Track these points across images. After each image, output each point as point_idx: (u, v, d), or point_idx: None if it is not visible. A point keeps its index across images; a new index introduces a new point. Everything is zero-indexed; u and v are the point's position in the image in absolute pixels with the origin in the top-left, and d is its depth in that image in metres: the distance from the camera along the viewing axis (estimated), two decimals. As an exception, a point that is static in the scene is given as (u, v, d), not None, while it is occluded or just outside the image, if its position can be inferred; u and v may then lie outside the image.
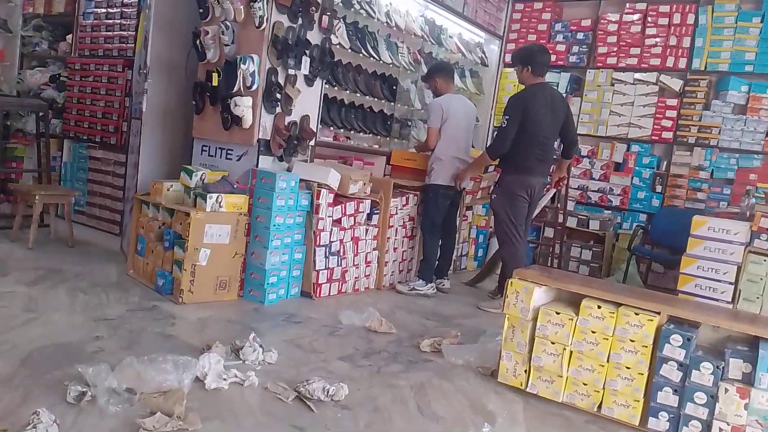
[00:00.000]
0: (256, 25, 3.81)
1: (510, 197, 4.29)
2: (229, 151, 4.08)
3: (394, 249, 4.73)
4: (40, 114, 5.03)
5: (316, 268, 4.08)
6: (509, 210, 4.31)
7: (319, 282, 4.12)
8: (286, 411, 2.36)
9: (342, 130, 4.89)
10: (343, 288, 4.32)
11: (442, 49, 5.97)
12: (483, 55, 6.69)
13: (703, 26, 5.82)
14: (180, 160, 4.23)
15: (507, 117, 4.20)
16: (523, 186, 4.30)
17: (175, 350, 2.66)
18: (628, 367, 2.62)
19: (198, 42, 4.01)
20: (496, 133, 4.40)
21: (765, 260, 3.73)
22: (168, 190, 3.84)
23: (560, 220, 5.57)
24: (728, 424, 2.40)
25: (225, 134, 4.01)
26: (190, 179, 3.74)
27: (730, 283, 3.82)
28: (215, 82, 3.96)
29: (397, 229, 4.71)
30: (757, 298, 3.75)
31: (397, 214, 4.68)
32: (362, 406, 2.48)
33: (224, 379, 2.50)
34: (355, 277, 4.42)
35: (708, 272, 3.90)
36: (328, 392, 2.48)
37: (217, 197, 3.61)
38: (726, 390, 2.41)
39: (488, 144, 4.42)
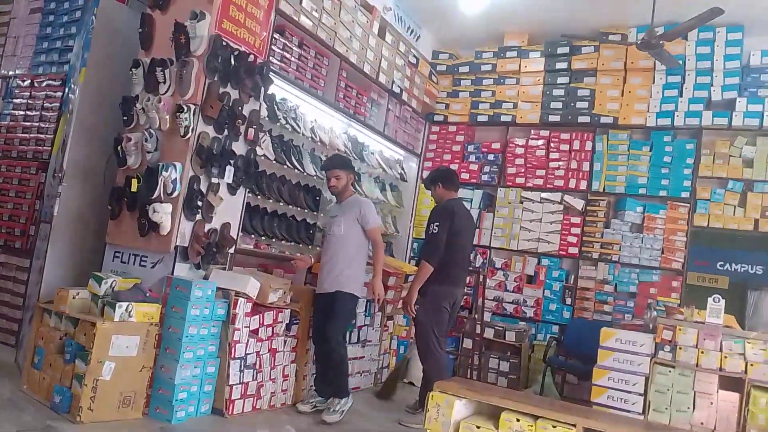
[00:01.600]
0: (181, 134, 3.84)
1: (435, 308, 4.35)
2: (143, 258, 3.94)
3: (314, 361, 4.57)
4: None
5: (230, 383, 3.87)
6: (433, 321, 4.35)
7: (233, 398, 3.90)
8: None
9: (264, 238, 4.87)
10: (258, 404, 4.11)
11: (365, 164, 6.21)
12: (402, 171, 7.00)
13: (599, 152, 6.41)
14: (89, 267, 4.03)
15: (437, 223, 4.35)
16: (448, 297, 4.39)
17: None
18: (549, 482, 2.60)
19: (119, 148, 3.98)
20: (427, 241, 4.46)
21: (670, 371, 3.91)
22: (74, 297, 3.61)
23: (478, 330, 5.65)
24: None
25: (141, 240, 3.89)
26: (99, 287, 3.56)
27: (640, 394, 3.94)
28: (134, 188, 3.90)
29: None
30: (666, 408, 3.88)
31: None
32: None
33: None
34: (272, 392, 4.22)
35: (619, 383, 4.02)
36: None
37: (127, 306, 3.44)
38: (643, 503, 2.42)
39: (424, 253, 4.46)
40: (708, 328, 3.96)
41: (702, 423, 3.81)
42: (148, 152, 3.94)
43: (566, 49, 6.65)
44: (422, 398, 4.38)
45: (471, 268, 6.01)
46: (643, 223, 6.16)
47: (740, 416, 3.75)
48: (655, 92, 6.23)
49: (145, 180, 3.88)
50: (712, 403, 3.83)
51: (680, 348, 3.94)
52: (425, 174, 7.13)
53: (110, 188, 4.07)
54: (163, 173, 3.81)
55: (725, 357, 3.85)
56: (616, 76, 6.43)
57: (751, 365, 3.78)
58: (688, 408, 3.84)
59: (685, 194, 6.01)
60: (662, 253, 6.01)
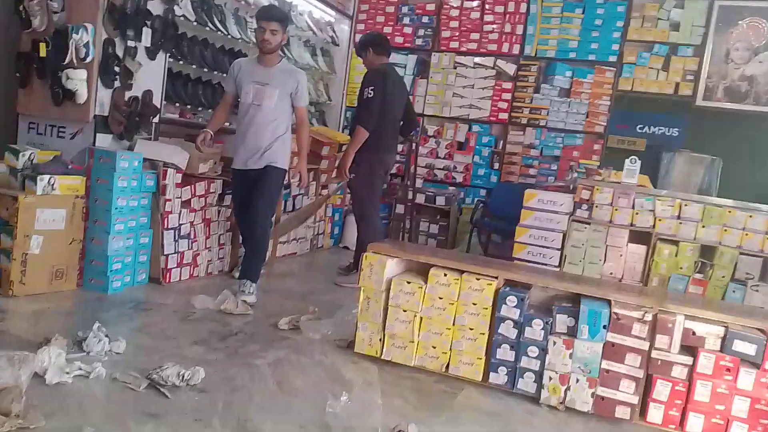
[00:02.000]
0: (89, -9, 3.52)
1: (370, 176, 4.43)
2: (61, 129, 3.74)
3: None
4: None
5: (165, 253, 3.90)
6: (368, 189, 4.44)
7: (169, 267, 3.95)
8: (138, 400, 2.28)
9: (189, 107, 4.68)
10: (195, 272, 4.19)
11: (293, 26, 5.90)
12: (334, 35, 6.72)
13: (533, 15, 6.33)
14: (3, 140, 3.81)
15: (372, 88, 4.31)
16: (382, 165, 4.46)
17: (7, 347, 2.43)
18: (471, 329, 2.84)
19: (21, 8, 3.62)
20: (361, 106, 4.41)
21: (585, 228, 4.20)
22: (-10, 172, 3.45)
23: (410, 197, 5.82)
24: (557, 373, 2.70)
25: (56, 110, 3.67)
26: (17, 160, 3.39)
27: (557, 249, 4.25)
28: (43, 53, 3.60)
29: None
30: (580, 261, 4.21)
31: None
32: (220, 388, 2.46)
33: (67, 373, 2.34)
34: (208, 260, 4.30)
35: (538, 240, 4.30)
36: (183, 377, 2.43)
37: (50, 179, 3.32)
38: (554, 343, 2.71)
39: (358, 119, 4.41)
40: (623, 187, 4.22)
41: (611, 273, 4.18)
42: (54, 12, 3.62)
43: None
44: (357, 260, 4.57)
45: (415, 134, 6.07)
46: (570, 87, 6.27)
47: (645, 266, 4.12)
48: (589, -48, 6.08)
49: (53, 44, 3.59)
50: (621, 255, 4.18)
51: (596, 206, 4.20)
52: (358, 38, 6.89)
53: (15, 54, 3.75)
54: (74, 36, 3.53)
55: (636, 214, 4.15)
56: (553, -67, 6.19)
57: (660, 220, 4.10)
58: (600, 260, 4.19)
59: (612, 58, 6.10)
60: (587, 117, 6.20)
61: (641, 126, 6.03)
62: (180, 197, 3.97)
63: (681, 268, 4.05)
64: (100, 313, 3.20)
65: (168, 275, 3.94)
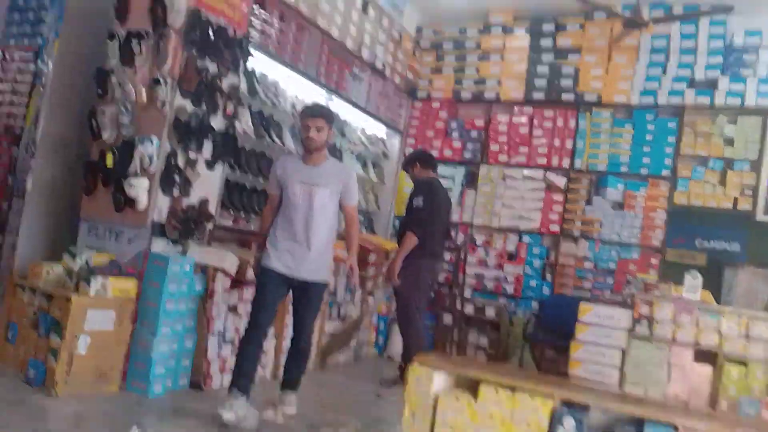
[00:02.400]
0: (158, 107, 3.77)
1: (416, 280, 4.41)
2: (119, 233, 3.88)
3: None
4: None
5: (208, 357, 3.86)
6: (415, 294, 4.41)
7: (211, 372, 3.89)
8: None
9: (243, 214, 4.82)
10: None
11: (346, 140, 6.15)
12: (385, 148, 6.95)
13: (582, 130, 6.40)
14: (64, 242, 3.97)
15: (421, 197, 4.41)
16: (430, 271, 4.44)
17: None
18: (524, 453, 2.62)
19: (93, 121, 3.90)
20: (411, 214, 4.52)
21: (646, 345, 3.95)
22: (48, 273, 3.57)
23: (458, 306, 5.68)
24: (620, 507, 2.43)
25: (116, 215, 3.83)
26: (74, 261, 3.51)
27: (616, 367, 3.98)
28: (110, 163, 3.83)
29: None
30: (641, 381, 3.93)
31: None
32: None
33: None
34: (251, 367, 4.21)
35: (595, 356, 4.05)
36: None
37: (103, 281, 3.40)
38: (616, 472, 2.46)
39: (408, 225, 4.50)
40: (684, 302, 4.00)
41: (676, 394, 3.87)
42: (124, 126, 3.87)
43: (551, 27, 6.61)
44: (403, 371, 4.41)
45: (452, 246, 6.07)
46: (623, 200, 6.19)
47: (712, 388, 3.80)
48: (639, 70, 6.22)
49: (120, 154, 3.82)
50: (685, 377, 3.88)
51: (657, 322, 3.97)
52: (408, 151, 7.12)
53: (84, 162, 4.00)
54: (140, 147, 3.75)
55: (700, 331, 3.90)
56: (600, 54, 6.39)
57: (726, 339, 3.83)
58: (663, 381, 3.89)
59: (665, 172, 6.03)
60: (642, 230, 6.05)
61: (700, 240, 5.82)
62: (227, 302, 3.98)
63: (752, 390, 3.72)
64: (139, 417, 3.13)
65: (209, 381, 3.87)
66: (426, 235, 4.39)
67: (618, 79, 6.29)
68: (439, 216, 4.49)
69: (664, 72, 6.12)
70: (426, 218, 4.38)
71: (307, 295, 3.53)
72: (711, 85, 5.93)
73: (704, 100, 5.92)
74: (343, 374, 4.94)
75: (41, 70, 4.41)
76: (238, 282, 4.07)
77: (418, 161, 4.78)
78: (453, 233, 6.18)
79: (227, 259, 3.98)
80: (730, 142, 5.87)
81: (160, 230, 3.84)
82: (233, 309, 4.04)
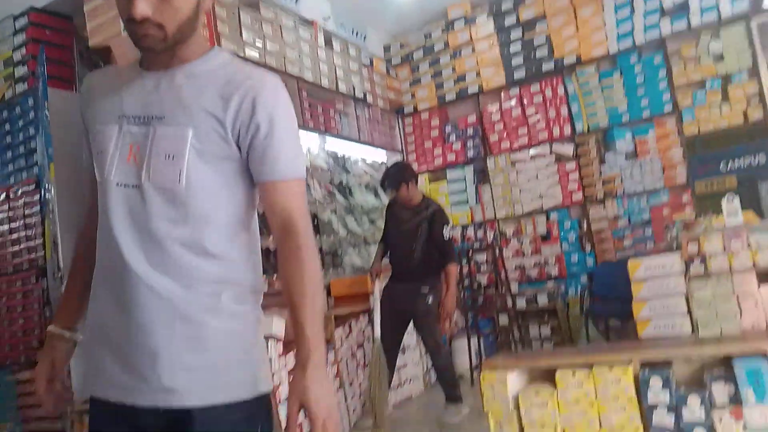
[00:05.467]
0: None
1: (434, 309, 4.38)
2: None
3: (350, 384, 4.48)
4: (-46, 350, 4.69)
5: (283, 427, 3.82)
6: (438, 316, 4.38)
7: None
8: None
9: (275, 275, 4.82)
10: (317, 437, 4.04)
11: (351, 175, 6.17)
12: (389, 171, 6.95)
13: (573, 94, 6.36)
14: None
15: (448, 226, 4.37)
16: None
17: None
18: (622, 427, 2.54)
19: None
20: (446, 245, 4.34)
21: (706, 283, 3.84)
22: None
23: (509, 304, 5.60)
24: (735, 452, 2.34)
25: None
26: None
27: (685, 314, 3.87)
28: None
29: (347, 361, 4.52)
30: (714, 321, 3.81)
31: (342, 345, 4.51)
32: None
33: None
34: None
35: (661, 311, 3.94)
36: None
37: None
38: (720, 419, 2.37)
39: (449, 257, 4.36)
40: (730, 229, 3.90)
41: (752, 324, 3.74)
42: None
43: (510, 4, 6.62)
44: (448, 391, 4.33)
45: (486, 245, 6.04)
46: (635, 149, 6.11)
47: (788, 306, 3.68)
48: (608, 17, 6.17)
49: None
50: (756, 303, 3.76)
51: (710, 257, 3.87)
52: (413, 167, 7.12)
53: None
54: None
55: (756, 252, 3.79)
56: (566, 14, 6.36)
57: (784, 252, 3.71)
58: (735, 315, 3.78)
59: (667, 108, 5.95)
60: (663, 172, 5.96)
61: (724, 164, 5.71)
62: (285, 365, 3.96)
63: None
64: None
65: (292, 449, 3.82)
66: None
67: (590, 32, 6.26)
68: None
69: (633, 11, 6.06)
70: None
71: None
72: (683, 8, 5.86)
73: (681, 24, 5.86)
74: (418, 407, 4.82)
75: (46, 198, 4.49)
76: (291, 342, 4.05)
77: (412, 178, 4.44)
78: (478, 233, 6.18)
79: (273, 324, 3.96)
80: (719, 58, 5.78)
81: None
82: (292, 372, 4.00)
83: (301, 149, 1.36)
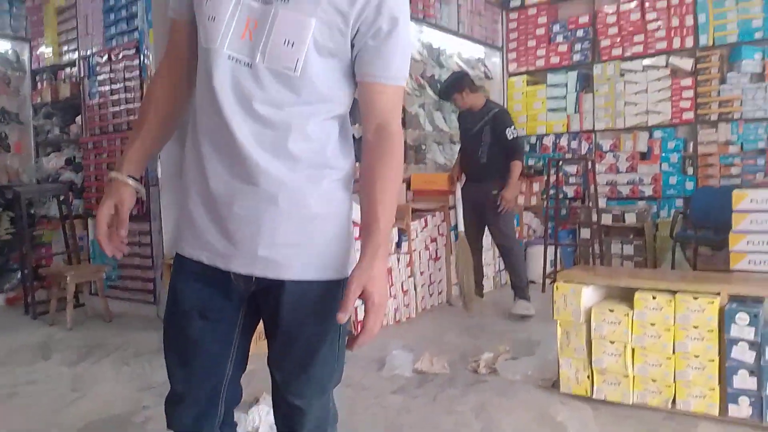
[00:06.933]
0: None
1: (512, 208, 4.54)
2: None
3: (421, 273, 4.62)
4: (61, 197, 5.09)
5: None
6: (511, 219, 4.59)
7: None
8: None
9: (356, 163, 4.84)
10: (384, 321, 4.21)
11: (444, 69, 5.94)
12: (486, 69, 6.65)
13: (703, 1, 5.71)
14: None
15: (512, 127, 4.42)
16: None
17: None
18: (696, 356, 2.46)
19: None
20: (514, 144, 4.42)
21: (817, 223, 3.53)
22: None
23: (594, 219, 5.41)
24: (818, 400, 2.22)
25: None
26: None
27: (786, 253, 3.61)
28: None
29: (420, 252, 4.61)
30: (817, 264, 3.53)
31: (417, 237, 4.58)
32: (424, 438, 2.36)
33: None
34: (394, 309, 4.31)
35: (759, 246, 3.69)
36: None
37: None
38: (808, 363, 2.24)
39: (517, 154, 4.44)
40: None
41: None
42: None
43: None
44: (518, 290, 4.44)
45: (578, 156, 5.85)
46: (764, 71, 5.50)
47: None
48: None
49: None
50: None
51: (828, 197, 3.52)
52: (512, 67, 6.76)
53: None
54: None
55: None
56: None
57: None
58: None
59: (809, 27, 5.26)
60: (790, 98, 5.37)
61: None
62: (358, 249, 4.04)
63: None
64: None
65: (359, 327, 3.99)
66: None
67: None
68: None
69: None
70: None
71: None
72: None
73: None
74: (486, 302, 4.88)
75: (145, 64, 4.61)
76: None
77: (467, 86, 4.49)
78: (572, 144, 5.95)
79: (355, 210, 4.02)
80: None
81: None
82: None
83: (409, 57, 1.33)
